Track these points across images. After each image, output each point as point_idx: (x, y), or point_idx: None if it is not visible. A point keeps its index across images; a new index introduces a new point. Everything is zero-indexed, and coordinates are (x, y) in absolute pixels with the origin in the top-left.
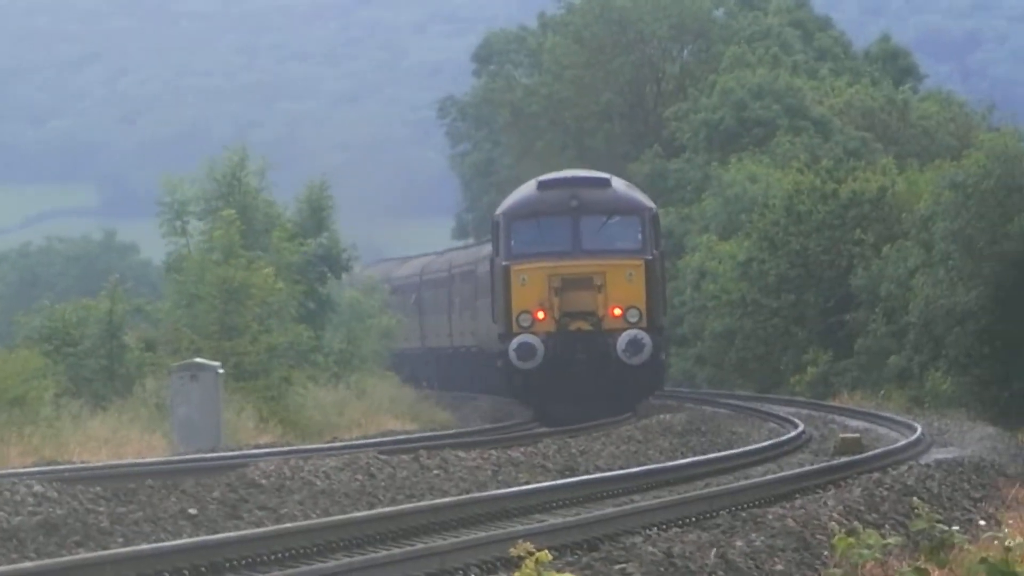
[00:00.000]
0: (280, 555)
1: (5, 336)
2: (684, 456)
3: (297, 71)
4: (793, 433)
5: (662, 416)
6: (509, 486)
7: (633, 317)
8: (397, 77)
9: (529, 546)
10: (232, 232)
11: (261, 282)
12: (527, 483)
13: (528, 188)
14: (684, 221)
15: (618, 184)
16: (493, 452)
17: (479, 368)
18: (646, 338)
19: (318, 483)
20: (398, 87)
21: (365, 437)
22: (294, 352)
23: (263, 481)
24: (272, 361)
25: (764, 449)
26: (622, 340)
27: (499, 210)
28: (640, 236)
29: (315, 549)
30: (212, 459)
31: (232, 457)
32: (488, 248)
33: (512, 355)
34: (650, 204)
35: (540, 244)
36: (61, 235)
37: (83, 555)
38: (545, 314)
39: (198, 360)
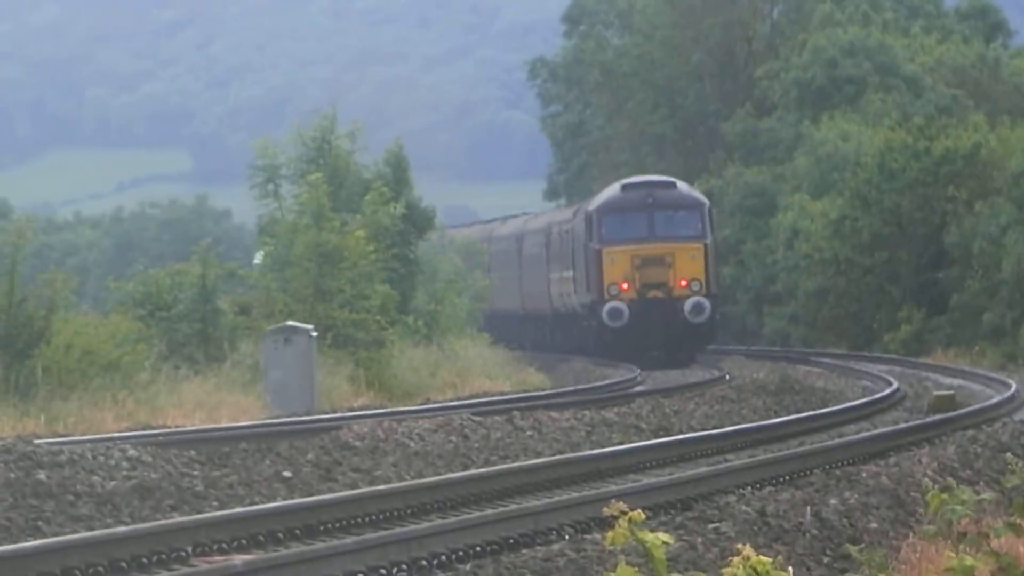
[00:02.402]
0: (374, 517)
1: (100, 301)
2: (778, 415)
3: (388, 35)
4: (887, 391)
5: (755, 375)
6: (603, 446)
7: (695, 287)
8: (488, 39)
9: (622, 506)
10: (320, 195)
11: (353, 245)
12: (621, 443)
13: (613, 189)
14: (776, 180)
15: (682, 186)
16: (587, 412)
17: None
18: (706, 302)
19: (412, 445)
20: (489, 49)
21: (458, 398)
22: (385, 314)
23: (357, 443)
24: (364, 324)
25: (858, 407)
26: (688, 304)
27: (590, 207)
28: (700, 225)
29: (409, 511)
30: (306, 422)
31: (326, 420)
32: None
33: (604, 317)
34: (706, 201)
35: (624, 232)
36: (154, 200)
37: (177, 519)
38: (628, 285)
39: (291, 323)
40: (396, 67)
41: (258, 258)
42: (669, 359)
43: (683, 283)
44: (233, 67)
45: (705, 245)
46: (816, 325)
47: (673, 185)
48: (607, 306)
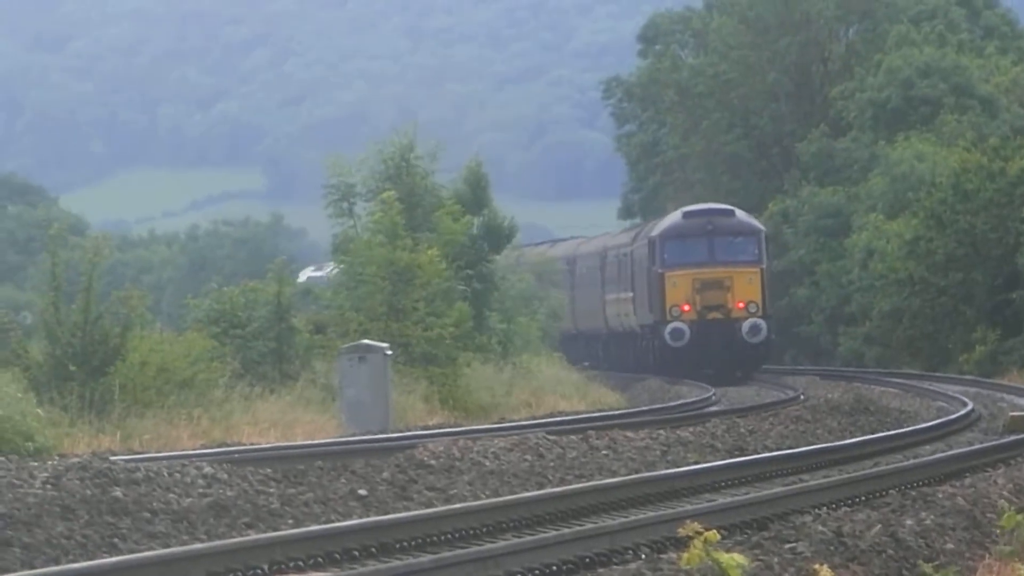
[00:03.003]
0: (450, 535)
1: (175, 319)
2: (852, 435)
3: (463, 53)
4: (962, 412)
5: (830, 395)
6: (678, 466)
7: (753, 309)
8: (563, 59)
9: (698, 526)
10: (393, 214)
11: (426, 263)
12: (696, 463)
13: (675, 216)
14: (851, 200)
15: (740, 214)
16: (662, 432)
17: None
18: (762, 323)
19: (487, 463)
20: (564, 68)
21: (533, 417)
22: (459, 333)
23: (432, 462)
24: (439, 342)
25: (933, 428)
26: (745, 325)
27: (653, 232)
28: (757, 251)
29: (484, 529)
30: (381, 440)
31: (401, 438)
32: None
33: (667, 336)
34: (762, 227)
35: (685, 257)
36: (228, 218)
37: (253, 536)
38: (689, 307)
39: (366, 342)
40: (470, 85)
41: (303, 276)
42: (727, 377)
43: (741, 305)
44: (307, 85)
45: (761, 270)
46: (891, 345)
47: (732, 213)
48: (669, 327)
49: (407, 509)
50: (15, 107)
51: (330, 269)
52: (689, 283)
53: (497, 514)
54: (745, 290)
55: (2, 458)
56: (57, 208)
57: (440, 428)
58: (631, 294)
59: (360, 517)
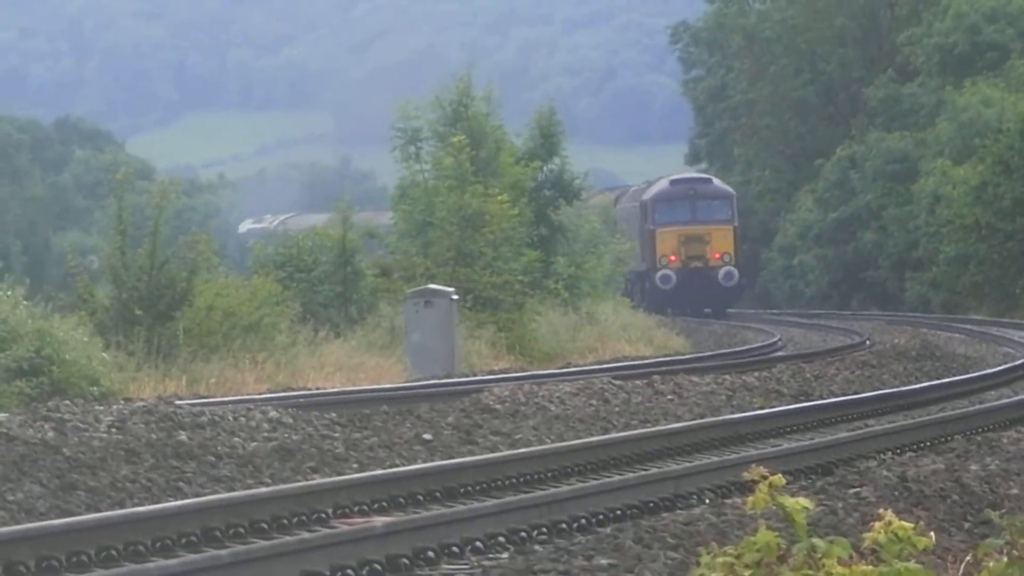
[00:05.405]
0: (514, 480)
1: (241, 263)
2: (918, 381)
3: None
4: None
5: (896, 341)
6: (743, 411)
7: (727, 259)
8: (631, 3)
9: (763, 470)
10: (463, 159)
11: (495, 209)
12: (761, 408)
13: (663, 183)
14: (918, 146)
15: (716, 181)
16: (727, 377)
17: None
18: (735, 271)
19: (552, 408)
20: (631, 13)
21: (599, 362)
22: (526, 278)
23: (497, 406)
24: (505, 287)
25: (999, 373)
26: (721, 272)
27: (645, 196)
28: (730, 212)
29: (549, 474)
30: (446, 385)
31: (466, 383)
32: None
33: (657, 281)
34: (734, 193)
35: (672, 216)
36: (296, 162)
37: (318, 480)
38: (675, 257)
39: (432, 286)
40: (538, 29)
41: (243, 228)
42: (702, 312)
43: (717, 256)
44: (375, 30)
45: (734, 227)
46: (957, 291)
47: (710, 181)
48: (659, 273)
49: (472, 454)
50: (85, 51)
51: (270, 220)
52: (675, 238)
53: (562, 459)
54: (720, 243)
55: (68, 402)
56: (124, 152)
57: (505, 373)
58: (636, 244)
59: (425, 462)
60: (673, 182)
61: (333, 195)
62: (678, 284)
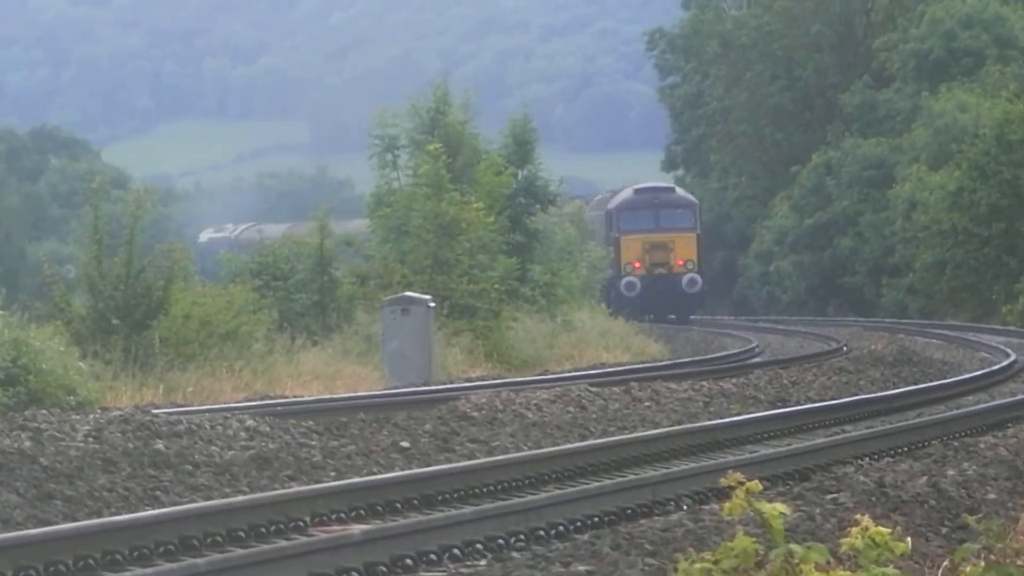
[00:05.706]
0: (492, 487)
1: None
2: (895, 386)
3: (507, 5)
4: (1005, 362)
5: (873, 347)
6: (720, 417)
7: (690, 266)
8: (607, 10)
9: (740, 476)
10: (439, 167)
11: (472, 217)
12: (738, 414)
13: (628, 192)
14: (894, 152)
15: (679, 190)
16: (704, 383)
17: None
18: (698, 278)
19: (529, 415)
20: (608, 20)
21: (576, 369)
22: (503, 285)
23: (474, 414)
24: (482, 295)
25: (976, 378)
26: (684, 279)
27: (610, 205)
28: (693, 220)
29: (526, 481)
30: (423, 392)
31: (443, 390)
32: None
33: (622, 288)
34: (696, 201)
35: (637, 224)
36: (272, 171)
37: (295, 488)
38: (640, 264)
39: (409, 294)
40: (515, 37)
41: (203, 236)
42: (667, 318)
43: (680, 263)
44: (351, 38)
45: (697, 235)
46: (934, 296)
47: (673, 190)
48: (624, 280)
49: (449, 461)
50: (61, 60)
51: (231, 230)
52: (640, 245)
53: (539, 466)
54: (684, 251)
55: (45, 411)
56: (100, 161)
57: (482, 380)
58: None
59: (402, 469)
60: (637, 191)
61: (309, 204)
62: (643, 290)
